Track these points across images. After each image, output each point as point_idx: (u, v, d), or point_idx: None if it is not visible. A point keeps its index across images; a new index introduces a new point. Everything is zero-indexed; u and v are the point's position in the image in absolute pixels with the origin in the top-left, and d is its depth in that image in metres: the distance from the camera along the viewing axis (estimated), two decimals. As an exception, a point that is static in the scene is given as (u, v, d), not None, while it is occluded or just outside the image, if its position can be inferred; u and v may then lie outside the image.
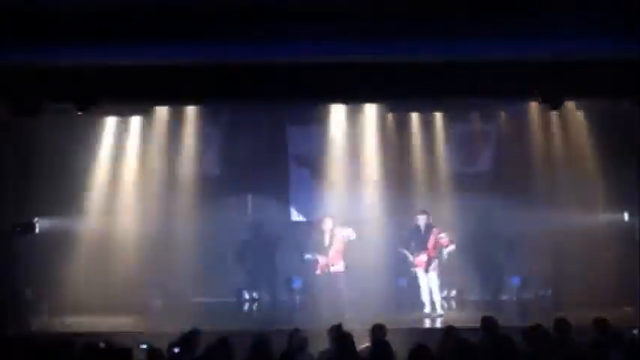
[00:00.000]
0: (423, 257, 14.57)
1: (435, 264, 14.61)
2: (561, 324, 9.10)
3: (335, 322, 9.55)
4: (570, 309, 12.73)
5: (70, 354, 8.20)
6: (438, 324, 13.85)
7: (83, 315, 14.46)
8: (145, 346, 8.84)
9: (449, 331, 9.06)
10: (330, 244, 14.78)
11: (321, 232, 14.90)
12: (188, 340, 8.96)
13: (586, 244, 15.60)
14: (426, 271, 14.56)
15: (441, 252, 14.63)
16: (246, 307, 16.45)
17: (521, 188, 16.20)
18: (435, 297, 14.59)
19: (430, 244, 14.58)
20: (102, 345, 8.42)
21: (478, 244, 16.27)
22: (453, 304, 16.23)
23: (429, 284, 14.57)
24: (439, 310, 14.51)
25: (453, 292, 16.56)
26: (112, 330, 12.84)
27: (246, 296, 16.76)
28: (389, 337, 8.93)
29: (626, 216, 15.70)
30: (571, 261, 15.55)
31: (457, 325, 9.54)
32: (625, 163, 14.68)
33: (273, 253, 16.33)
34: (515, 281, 16.49)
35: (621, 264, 14.92)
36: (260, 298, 16.60)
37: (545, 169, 16.25)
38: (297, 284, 15.75)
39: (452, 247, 14.63)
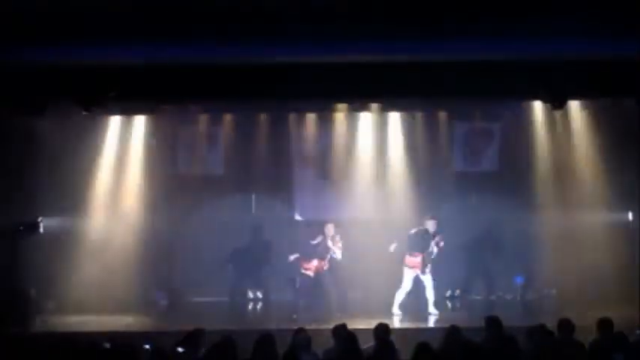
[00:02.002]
0: (418, 259, 14.57)
1: (429, 266, 14.62)
2: (565, 324, 9.10)
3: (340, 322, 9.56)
4: (574, 309, 12.72)
5: (75, 354, 8.21)
6: (432, 323, 13.86)
7: (87, 314, 14.46)
8: (148, 346, 8.84)
9: (452, 330, 9.05)
10: (329, 249, 14.73)
11: (324, 238, 14.81)
12: (192, 339, 8.97)
13: (590, 243, 15.59)
14: (423, 272, 14.57)
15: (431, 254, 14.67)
16: (250, 306, 16.50)
17: (525, 188, 16.20)
18: (429, 297, 14.57)
19: (430, 248, 14.61)
20: (106, 345, 8.44)
21: (482, 244, 16.27)
22: (457, 303, 16.24)
23: (425, 285, 14.57)
24: (434, 310, 14.50)
25: (457, 292, 16.58)
26: (116, 330, 12.85)
27: (250, 295, 16.82)
28: (393, 337, 8.94)
29: (630, 215, 15.71)
30: (575, 261, 15.52)
31: (461, 324, 9.52)
32: (629, 163, 14.66)
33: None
34: (519, 281, 16.51)
35: (626, 264, 14.90)
36: (264, 298, 16.65)
37: (549, 169, 16.24)
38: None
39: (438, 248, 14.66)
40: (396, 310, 14.46)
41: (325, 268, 14.69)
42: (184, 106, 15.74)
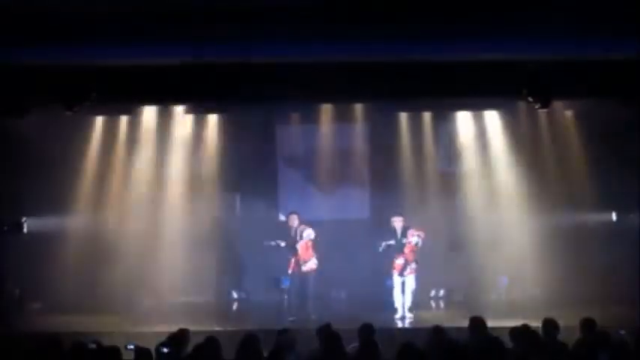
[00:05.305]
0: (399, 261, 14.45)
1: (412, 267, 14.47)
2: (549, 324, 9.11)
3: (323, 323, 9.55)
4: (559, 309, 12.74)
5: (59, 354, 8.18)
6: (414, 324, 13.83)
7: (71, 314, 14.42)
8: (132, 346, 8.80)
9: (437, 330, 9.06)
10: (298, 240, 14.46)
11: (289, 229, 14.63)
12: (176, 339, 8.94)
13: (574, 244, 15.64)
14: (401, 274, 14.46)
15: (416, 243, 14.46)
16: (234, 306, 16.47)
17: (509, 187, 16.23)
18: (406, 299, 14.45)
19: (407, 247, 14.46)
20: (91, 345, 8.41)
21: (466, 244, 16.28)
22: (441, 303, 16.25)
23: (405, 287, 14.44)
24: (408, 313, 14.39)
25: (442, 292, 16.59)
26: (101, 330, 12.79)
27: (235, 296, 16.80)
28: (377, 337, 8.93)
29: (614, 216, 15.76)
30: (559, 261, 15.57)
31: (445, 324, 9.53)
32: (613, 163, 14.72)
33: None
34: (504, 281, 16.53)
35: (609, 264, 14.96)
36: (248, 298, 16.64)
37: (534, 169, 16.28)
38: (285, 284, 15.67)
39: (419, 238, 14.40)
40: (400, 313, 14.36)
41: (305, 265, 14.40)
42: (169, 106, 15.73)
